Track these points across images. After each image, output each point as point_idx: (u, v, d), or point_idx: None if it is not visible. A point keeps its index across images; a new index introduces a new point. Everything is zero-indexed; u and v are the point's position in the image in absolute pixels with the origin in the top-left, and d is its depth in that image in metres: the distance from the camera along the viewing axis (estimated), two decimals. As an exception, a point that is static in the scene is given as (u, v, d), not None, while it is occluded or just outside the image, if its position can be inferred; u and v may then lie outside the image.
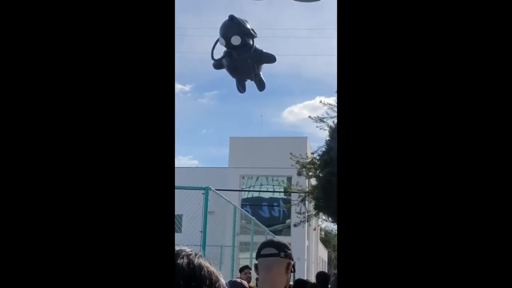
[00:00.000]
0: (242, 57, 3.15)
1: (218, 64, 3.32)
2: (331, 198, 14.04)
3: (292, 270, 2.80)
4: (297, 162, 15.65)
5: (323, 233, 26.96)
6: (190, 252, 1.14)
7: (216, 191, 9.87)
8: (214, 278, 1.12)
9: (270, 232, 16.09)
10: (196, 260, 1.12)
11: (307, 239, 26.49)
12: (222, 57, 3.27)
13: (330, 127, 14.56)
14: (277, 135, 35.28)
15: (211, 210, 9.02)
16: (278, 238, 3.17)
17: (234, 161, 28.29)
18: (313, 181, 15.48)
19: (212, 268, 1.14)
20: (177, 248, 1.18)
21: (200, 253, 1.18)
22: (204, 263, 1.14)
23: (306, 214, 16.80)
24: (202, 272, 1.10)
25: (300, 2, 2.23)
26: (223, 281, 1.16)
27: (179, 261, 1.11)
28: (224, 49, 3.27)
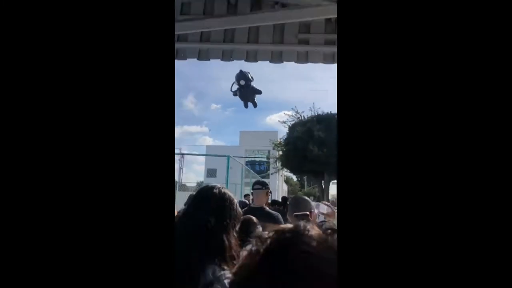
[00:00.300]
0: (246, 90, 3.25)
1: (234, 94, 3.39)
2: (289, 161, 14.14)
3: (270, 193, 2.87)
4: (273, 143, 15.75)
5: (285, 177, 26.99)
6: (220, 186, 1.11)
7: (234, 157, 9.97)
8: (232, 199, 1.08)
9: (259, 177, 16.22)
10: (223, 190, 1.09)
11: (277, 180, 26.68)
12: (236, 90, 3.35)
13: (289, 126, 14.65)
14: (263, 130, 34.94)
15: (231, 167, 9.09)
16: (263, 180, 3.24)
17: (242, 142, 28.42)
18: (280, 152, 15.53)
19: (231, 194, 1.10)
20: (213, 184, 1.13)
21: (224, 187, 1.14)
22: (227, 191, 1.10)
23: (277, 168, 16.97)
24: (226, 196, 1.07)
25: (275, 64, 2.19)
26: (236, 201, 1.11)
27: (214, 190, 1.07)
28: (237, 86, 3.35)
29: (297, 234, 0.32)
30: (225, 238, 0.98)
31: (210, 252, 0.96)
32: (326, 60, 1.87)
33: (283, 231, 0.33)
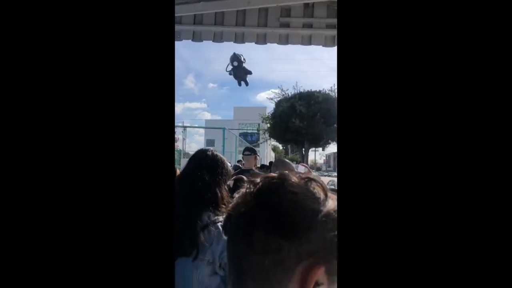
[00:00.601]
0: (238, 71, 3.18)
1: (230, 73, 3.31)
2: (275, 132, 14.18)
3: (258, 158, 2.92)
4: (262, 116, 15.66)
5: (273, 146, 27.26)
6: (212, 149, 1.10)
7: (229, 129, 9.91)
8: (223, 160, 1.06)
9: (251, 146, 16.44)
10: (215, 152, 1.08)
11: (266, 148, 26.90)
12: (230, 70, 3.28)
13: (275, 102, 14.51)
14: (254, 106, 34.60)
15: (226, 137, 9.10)
16: (252, 147, 3.29)
17: (236, 116, 28.14)
18: (268, 125, 15.52)
19: (222, 156, 1.09)
20: (207, 148, 1.11)
21: (216, 150, 1.11)
22: (219, 154, 1.08)
23: (265, 138, 17.07)
24: (218, 157, 1.06)
25: (263, 47, 2.10)
26: (229, 165, 1.08)
27: (208, 152, 1.07)
28: (231, 67, 3.27)
29: (283, 179, 0.33)
30: (217, 191, 1.01)
31: (205, 201, 0.99)
32: (303, 42, 1.81)
33: (272, 177, 0.33)
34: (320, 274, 0.30)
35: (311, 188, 0.32)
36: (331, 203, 0.32)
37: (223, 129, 8.89)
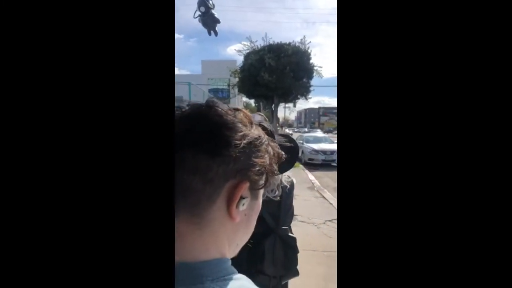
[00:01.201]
0: (206, 18, 3.06)
1: (198, 21, 3.17)
2: (244, 86, 14.10)
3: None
4: (230, 70, 15.26)
5: (245, 103, 27.04)
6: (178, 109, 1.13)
7: (196, 85, 9.67)
8: None
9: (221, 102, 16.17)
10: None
11: (237, 104, 26.55)
12: (198, 17, 3.15)
13: (244, 56, 14.11)
14: (223, 59, 33.05)
15: (194, 94, 8.92)
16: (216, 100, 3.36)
17: (204, 71, 26.89)
18: (237, 79, 15.27)
19: None
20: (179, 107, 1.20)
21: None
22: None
23: (236, 93, 16.93)
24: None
25: None
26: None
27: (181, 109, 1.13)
28: (198, 13, 3.14)
29: (211, 106, 0.34)
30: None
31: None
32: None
33: (201, 105, 0.34)
34: (244, 189, 0.33)
35: (238, 116, 0.35)
36: (256, 131, 0.35)
37: (188, 84, 8.66)
